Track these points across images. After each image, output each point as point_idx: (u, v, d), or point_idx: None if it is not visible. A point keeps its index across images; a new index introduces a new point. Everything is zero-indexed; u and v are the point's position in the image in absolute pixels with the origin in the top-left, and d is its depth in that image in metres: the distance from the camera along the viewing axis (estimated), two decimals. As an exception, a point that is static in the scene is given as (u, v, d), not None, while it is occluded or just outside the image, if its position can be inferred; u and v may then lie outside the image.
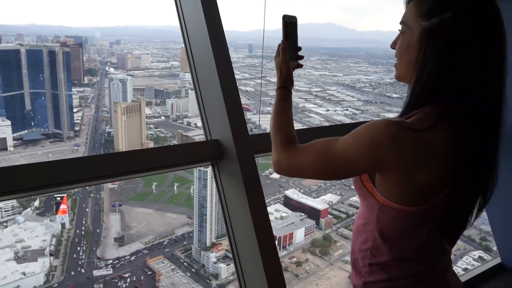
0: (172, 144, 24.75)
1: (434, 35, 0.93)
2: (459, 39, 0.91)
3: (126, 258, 18.11)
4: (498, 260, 3.05)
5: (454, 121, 0.93)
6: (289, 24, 1.13)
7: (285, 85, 1.16)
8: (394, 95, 28.40)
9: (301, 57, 1.19)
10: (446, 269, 1.08)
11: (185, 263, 18.23)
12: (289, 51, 1.15)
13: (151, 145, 25.06)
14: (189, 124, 26.63)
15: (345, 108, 27.94)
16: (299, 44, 1.17)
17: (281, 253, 18.09)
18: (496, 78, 0.93)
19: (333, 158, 0.98)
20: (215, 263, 17.60)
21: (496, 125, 0.95)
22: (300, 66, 1.19)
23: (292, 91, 1.18)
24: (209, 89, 1.79)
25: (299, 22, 1.17)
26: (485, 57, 0.91)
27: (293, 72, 1.19)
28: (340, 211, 20.66)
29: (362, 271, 1.07)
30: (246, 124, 1.74)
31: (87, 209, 20.42)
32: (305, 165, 1.04)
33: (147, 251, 18.59)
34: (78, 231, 18.89)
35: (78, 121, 26.15)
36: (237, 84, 1.78)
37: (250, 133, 1.77)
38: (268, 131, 1.32)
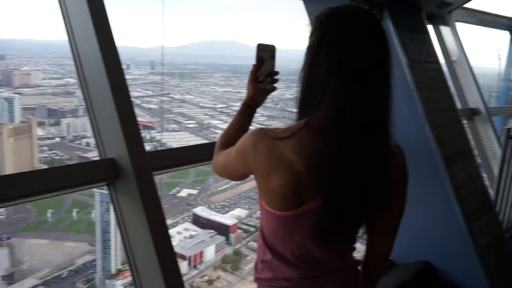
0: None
1: (305, 54, 1.05)
2: (319, 55, 1.00)
3: (17, 296, 16.16)
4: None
5: (314, 132, 0.98)
6: (262, 51, 1.26)
7: (247, 102, 1.27)
8: (295, 110, 29.88)
9: (276, 81, 1.29)
10: (325, 279, 1.08)
11: (88, 295, 16.89)
12: (260, 74, 1.26)
13: (44, 169, 22.97)
14: (88, 144, 24.93)
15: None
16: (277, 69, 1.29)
17: (193, 273, 17.64)
18: (363, 93, 0.96)
19: (228, 160, 1.12)
20: (121, 291, 16.58)
21: (366, 137, 0.97)
22: (274, 88, 1.29)
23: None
24: (102, 105, 1.70)
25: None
26: (347, 73, 0.96)
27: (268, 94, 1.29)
28: (249, 225, 20.89)
29: (258, 267, 1.14)
30: (143, 141, 1.69)
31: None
32: (219, 165, 1.19)
33: (43, 287, 16.83)
34: (-45, 272, 16.42)
35: (-46, 145, 23.02)
36: (140, 101, 1.73)
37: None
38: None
